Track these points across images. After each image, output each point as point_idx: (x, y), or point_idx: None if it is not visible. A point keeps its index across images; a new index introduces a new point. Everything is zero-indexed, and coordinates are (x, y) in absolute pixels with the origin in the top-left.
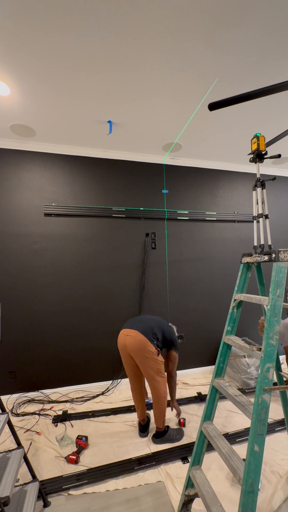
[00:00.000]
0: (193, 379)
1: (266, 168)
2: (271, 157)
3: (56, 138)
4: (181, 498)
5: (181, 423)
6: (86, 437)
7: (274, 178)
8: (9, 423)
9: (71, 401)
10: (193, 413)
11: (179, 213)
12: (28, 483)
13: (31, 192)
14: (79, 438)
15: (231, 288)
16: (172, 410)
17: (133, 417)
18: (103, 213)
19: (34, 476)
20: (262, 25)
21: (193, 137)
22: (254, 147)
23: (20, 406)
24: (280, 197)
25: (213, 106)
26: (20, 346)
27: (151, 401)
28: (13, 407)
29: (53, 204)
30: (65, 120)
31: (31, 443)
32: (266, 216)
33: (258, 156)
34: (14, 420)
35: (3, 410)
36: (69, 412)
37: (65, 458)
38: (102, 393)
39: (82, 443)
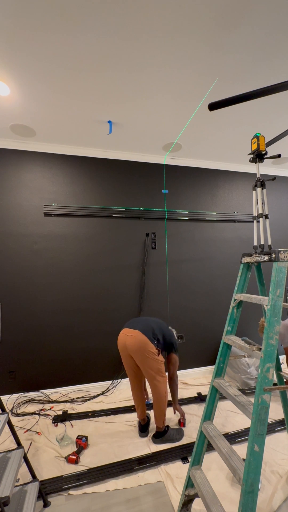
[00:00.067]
0: (193, 379)
1: (266, 168)
2: (271, 157)
3: (56, 138)
4: (181, 498)
5: (181, 423)
6: (86, 437)
7: (274, 178)
8: (9, 423)
9: (71, 401)
10: (193, 413)
11: (179, 213)
12: (28, 483)
13: (31, 192)
14: (79, 438)
15: (231, 288)
16: (175, 413)
17: (133, 417)
18: (103, 213)
19: (34, 476)
20: (262, 24)
21: (193, 137)
22: (254, 147)
23: (20, 406)
24: (280, 197)
25: (213, 106)
26: (20, 346)
27: (151, 401)
28: (13, 407)
29: (53, 204)
30: (65, 120)
31: (31, 443)
32: (266, 216)
33: (258, 156)
34: (14, 420)
35: (3, 410)
36: (69, 412)
37: (65, 458)
38: (102, 393)
39: (82, 443)
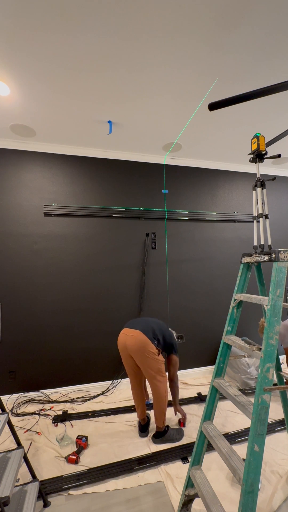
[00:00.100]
0: (193, 379)
1: (266, 168)
2: (271, 157)
3: (56, 138)
4: (181, 498)
5: (181, 423)
6: (86, 437)
7: (274, 178)
8: (9, 423)
9: (71, 401)
10: (193, 413)
11: (179, 213)
12: (28, 483)
13: (31, 192)
14: (79, 438)
15: (231, 288)
16: (176, 414)
17: (133, 417)
18: (103, 213)
19: (34, 476)
20: (262, 24)
21: (193, 137)
22: (254, 147)
23: (20, 406)
24: (280, 197)
25: (213, 106)
26: (20, 346)
27: (151, 401)
28: (13, 407)
29: (53, 204)
30: (65, 120)
31: (31, 443)
32: (266, 216)
33: (258, 156)
34: (14, 420)
35: (3, 410)
36: (69, 412)
37: (65, 458)
38: (102, 393)
39: (82, 443)
